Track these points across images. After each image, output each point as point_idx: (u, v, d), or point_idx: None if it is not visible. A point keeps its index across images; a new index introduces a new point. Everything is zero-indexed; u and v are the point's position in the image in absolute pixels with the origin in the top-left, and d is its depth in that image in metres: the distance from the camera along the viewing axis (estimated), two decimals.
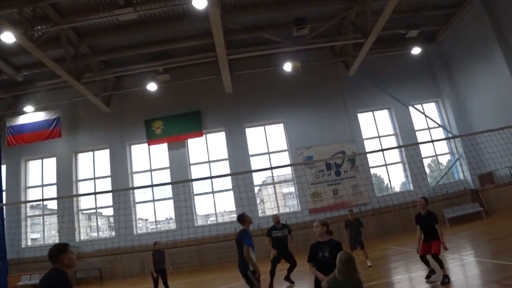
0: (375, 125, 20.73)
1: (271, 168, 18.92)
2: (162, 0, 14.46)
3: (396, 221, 18.38)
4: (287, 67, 18.66)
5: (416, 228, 8.24)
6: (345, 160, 19.48)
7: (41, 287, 3.71)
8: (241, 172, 16.92)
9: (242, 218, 6.93)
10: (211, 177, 18.64)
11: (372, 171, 20.14)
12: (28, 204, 20.52)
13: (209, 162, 19.83)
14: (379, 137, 20.47)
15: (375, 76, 20.35)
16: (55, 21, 14.47)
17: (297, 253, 11.45)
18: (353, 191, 18.98)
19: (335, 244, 5.30)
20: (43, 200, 20.07)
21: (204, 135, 20.00)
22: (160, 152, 20.17)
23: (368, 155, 19.34)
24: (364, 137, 20.18)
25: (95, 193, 18.78)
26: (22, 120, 19.54)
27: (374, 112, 20.90)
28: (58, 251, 3.82)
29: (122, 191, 18.12)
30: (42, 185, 20.65)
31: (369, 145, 20.11)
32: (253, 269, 6.58)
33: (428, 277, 7.92)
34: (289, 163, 19.51)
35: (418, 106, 20.73)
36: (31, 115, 19.59)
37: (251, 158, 19.64)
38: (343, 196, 18.81)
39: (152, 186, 18.53)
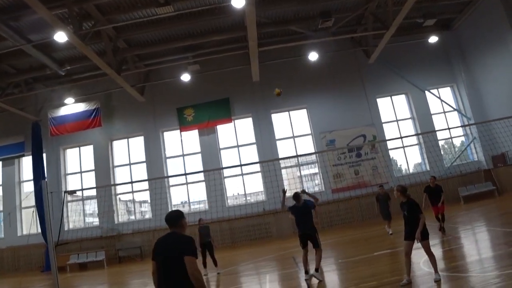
0: (393, 110, 21.77)
1: (297, 156, 20.29)
2: None
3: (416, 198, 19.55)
4: (312, 56, 19.79)
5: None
6: (366, 142, 20.66)
7: (192, 245, 3.92)
8: (268, 160, 18.29)
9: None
10: (240, 165, 20.05)
11: (391, 152, 21.27)
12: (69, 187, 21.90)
13: (237, 146, 21.10)
14: (397, 120, 21.55)
15: (393, 63, 21.33)
16: (97, 18, 15.40)
17: (321, 230, 12.86)
18: (373, 171, 20.25)
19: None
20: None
21: (232, 121, 21.21)
22: (192, 138, 21.41)
23: (387, 136, 20.66)
24: (383, 120, 21.27)
25: (131, 182, 20.45)
26: (63, 111, 20.81)
27: (392, 97, 21.94)
28: (180, 215, 4.19)
29: (157, 179, 19.36)
30: (81, 172, 22.00)
31: (387, 128, 21.24)
32: None
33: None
34: (312, 146, 20.84)
35: (434, 91, 21.73)
36: (71, 106, 20.85)
37: (277, 142, 20.88)
38: (364, 176, 20.10)
39: (185, 174, 20.15)
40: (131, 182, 20.25)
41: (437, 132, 20.44)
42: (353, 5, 17.98)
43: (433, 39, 20.85)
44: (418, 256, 8.04)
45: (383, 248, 11.25)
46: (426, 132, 19.33)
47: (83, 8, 14.75)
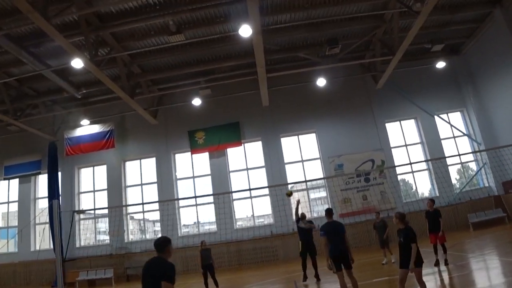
0: (402, 134, 21.86)
1: (306, 181, 20.65)
2: (209, 27, 15.99)
3: (422, 224, 19.45)
4: (320, 82, 20.18)
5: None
6: (374, 168, 20.77)
7: (172, 271, 4.32)
8: (277, 184, 18.72)
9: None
10: (249, 189, 20.41)
11: (400, 177, 21.31)
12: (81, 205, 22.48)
13: (247, 169, 21.43)
14: (406, 145, 21.61)
15: (402, 88, 21.51)
16: (112, 45, 16.12)
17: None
18: (382, 197, 20.27)
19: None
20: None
21: (242, 145, 21.58)
22: (202, 161, 21.82)
23: (396, 161, 20.75)
24: (392, 145, 21.35)
25: (143, 203, 20.97)
26: (78, 132, 21.56)
27: (401, 122, 22.04)
28: (166, 242, 4.61)
29: (168, 201, 19.90)
30: (94, 191, 22.57)
31: (396, 153, 21.28)
32: None
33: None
34: (321, 170, 21.02)
35: (444, 116, 21.78)
36: (86, 128, 21.58)
37: (286, 166, 21.13)
38: (372, 202, 20.11)
39: (195, 197, 20.67)
40: (142, 204, 20.78)
41: (446, 158, 20.39)
42: (361, 32, 18.37)
43: (440, 64, 21.01)
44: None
45: (383, 275, 11.32)
46: (436, 159, 19.33)
47: (99, 36, 15.44)
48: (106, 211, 22.02)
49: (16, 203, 23.26)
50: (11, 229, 23.47)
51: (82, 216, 22.33)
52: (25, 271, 21.03)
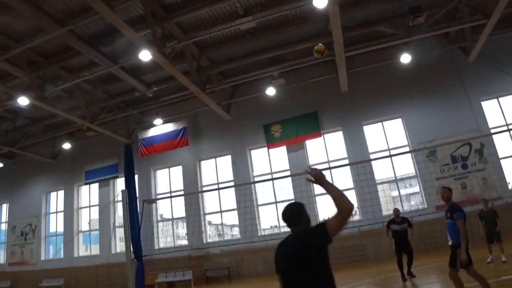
0: (501, 113, 19.25)
1: (390, 156, 18.86)
2: (281, 5, 14.78)
3: None
4: (404, 59, 18.19)
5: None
6: (472, 151, 18.44)
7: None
8: (360, 161, 16.78)
9: None
10: (329, 168, 18.69)
11: (503, 162, 18.72)
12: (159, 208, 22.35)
13: (328, 162, 19.83)
14: (507, 125, 18.97)
15: (497, 60, 18.78)
16: (179, 38, 15.49)
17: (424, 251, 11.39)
18: (483, 184, 17.93)
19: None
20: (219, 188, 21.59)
21: (322, 136, 20.12)
22: (280, 155, 20.65)
23: (497, 144, 18.23)
24: (490, 126, 18.78)
25: (218, 188, 20.35)
26: (152, 132, 21.40)
27: (500, 99, 19.40)
28: (301, 207, 3.72)
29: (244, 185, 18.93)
30: (170, 192, 22.27)
31: (497, 135, 18.65)
32: None
33: None
34: (410, 159, 19.02)
35: None
36: (160, 127, 21.35)
37: (371, 155, 19.29)
38: (473, 191, 17.85)
39: (272, 179, 19.71)
40: (218, 188, 20.19)
41: None
42: None
43: None
44: None
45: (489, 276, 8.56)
46: None
47: (165, 29, 14.84)
48: (183, 214, 21.49)
49: (97, 207, 23.68)
50: (93, 232, 23.97)
51: (159, 218, 22.23)
52: (108, 274, 21.30)
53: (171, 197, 22.18)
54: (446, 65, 19.37)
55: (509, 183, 18.38)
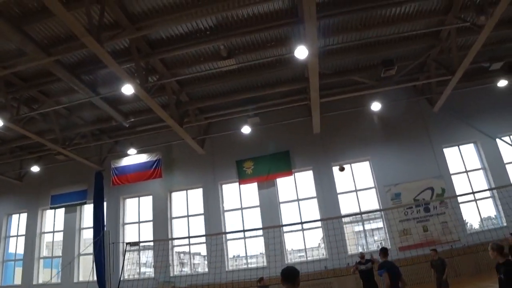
0: (461, 160, 20.37)
1: (361, 213, 19.50)
2: (263, 49, 15.47)
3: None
4: (375, 107, 19.19)
5: None
6: (434, 195, 19.37)
7: None
8: (330, 217, 17.85)
9: None
10: (301, 222, 19.40)
11: (462, 206, 19.69)
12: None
13: (298, 200, 20.38)
14: (466, 171, 20.10)
15: (459, 111, 20.15)
16: (161, 73, 15.86)
17: None
18: (443, 228, 18.80)
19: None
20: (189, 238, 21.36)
21: (293, 174, 20.64)
22: (250, 191, 20.99)
23: (457, 191, 19.25)
24: (451, 172, 19.88)
25: (189, 237, 20.38)
26: (125, 161, 21.32)
27: (460, 147, 20.59)
28: (297, 273, 4.48)
29: (215, 235, 19.17)
30: (139, 222, 22.10)
31: (457, 180, 19.78)
32: None
33: None
34: (376, 200, 19.82)
35: (506, 138, 20.15)
36: (133, 157, 21.33)
37: (339, 196, 19.97)
38: (433, 233, 18.62)
39: (243, 231, 19.86)
40: (189, 237, 20.07)
41: None
42: (415, 52, 17.44)
43: (502, 83, 19.41)
44: None
45: None
46: (501, 187, 17.72)
47: (149, 63, 15.24)
48: (151, 243, 21.32)
49: (61, 233, 23.07)
50: (55, 259, 23.31)
51: (128, 247, 21.81)
52: None
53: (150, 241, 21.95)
54: (413, 114, 20.56)
55: (467, 225, 19.41)
